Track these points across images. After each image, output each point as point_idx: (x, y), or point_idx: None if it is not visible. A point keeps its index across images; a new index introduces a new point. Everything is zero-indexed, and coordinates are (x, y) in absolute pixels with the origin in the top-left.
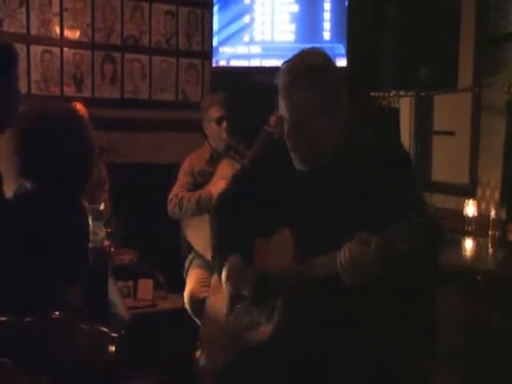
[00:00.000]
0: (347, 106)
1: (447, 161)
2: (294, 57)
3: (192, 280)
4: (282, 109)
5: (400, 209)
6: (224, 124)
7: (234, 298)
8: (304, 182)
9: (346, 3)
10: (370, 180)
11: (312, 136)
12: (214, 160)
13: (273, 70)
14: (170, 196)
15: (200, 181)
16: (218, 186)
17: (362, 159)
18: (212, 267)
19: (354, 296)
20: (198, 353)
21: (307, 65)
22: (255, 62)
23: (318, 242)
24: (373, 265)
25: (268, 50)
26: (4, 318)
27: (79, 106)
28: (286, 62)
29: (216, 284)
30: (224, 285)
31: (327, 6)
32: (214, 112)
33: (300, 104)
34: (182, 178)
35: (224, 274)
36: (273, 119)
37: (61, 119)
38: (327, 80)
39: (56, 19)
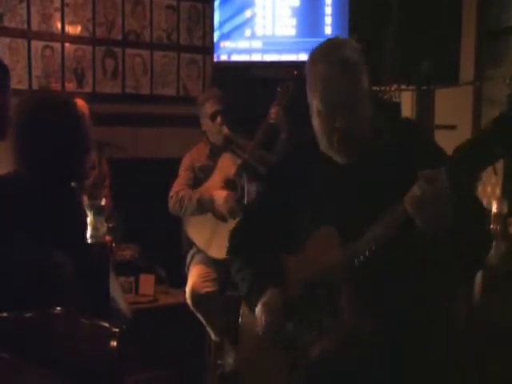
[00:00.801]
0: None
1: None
2: (331, 45)
3: (194, 275)
4: (325, 91)
5: None
6: (218, 119)
7: (274, 330)
8: (338, 171)
9: None
10: (407, 168)
11: (357, 121)
12: (214, 154)
13: (274, 65)
14: (171, 193)
15: (201, 176)
16: (219, 191)
17: (392, 156)
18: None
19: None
20: None
21: (347, 56)
22: (256, 57)
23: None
24: (448, 195)
25: (269, 44)
26: (5, 314)
27: (80, 102)
28: (318, 51)
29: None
30: (260, 320)
31: (328, 0)
32: (209, 107)
33: (350, 87)
34: (183, 174)
35: (260, 309)
36: (273, 111)
37: (56, 109)
38: (365, 71)
39: (57, 14)
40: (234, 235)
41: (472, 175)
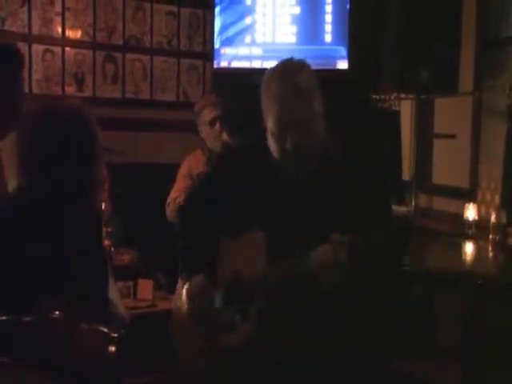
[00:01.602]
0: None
1: (448, 164)
2: (286, 68)
3: None
4: (277, 112)
5: (370, 215)
6: (217, 125)
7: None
8: (284, 188)
9: (348, 6)
10: (345, 191)
11: (308, 140)
12: (212, 162)
13: None
14: (168, 200)
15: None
16: None
17: (337, 172)
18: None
19: (326, 298)
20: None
21: (300, 79)
22: (256, 64)
23: (292, 247)
24: (343, 264)
25: (269, 51)
26: (4, 317)
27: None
28: (272, 73)
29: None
30: (184, 300)
31: (329, 8)
32: (207, 114)
33: (301, 109)
34: (180, 182)
35: (185, 291)
36: None
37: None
38: (318, 95)
39: (58, 19)
40: (188, 197)
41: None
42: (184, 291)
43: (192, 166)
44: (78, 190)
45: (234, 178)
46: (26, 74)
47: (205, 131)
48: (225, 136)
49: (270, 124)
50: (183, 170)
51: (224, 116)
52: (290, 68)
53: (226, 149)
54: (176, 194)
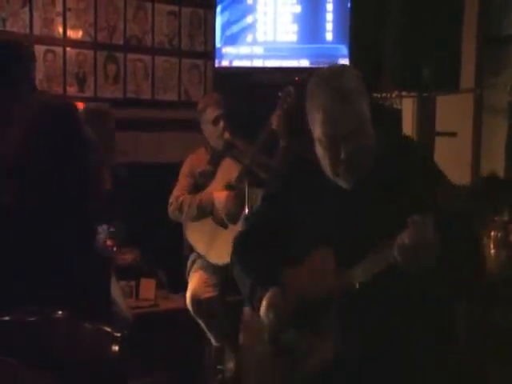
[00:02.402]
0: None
1: (449, 162)
2: (331, 74)
3: (194, 281)
4: (325, 121)
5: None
6: (221, 124)
7: (277, 330)
8: (342, 198)
9: (349, 4)
10: (407, 196)
11: (360, 150)
12: (215, 160)
13: (275, 70)
14: (171, 199)
15: (201, 182)
16: (220, 192)
17: (393, 180)
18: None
19: (406, 297)
20: None
21: (346, 86)
22: (258, 63)
23: (358, 260)
24: (433, 244)
25: (270, 50)
26: (7, 318)
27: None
28: (317, 80)
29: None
30: (264, 317)
31: (330, 6)
32: (210, 113)
33: (350, 118)
34: (182, 180)
35: (265, 305)
36: (274, 118)
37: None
38: (365, 100)
39: (59, 19)
40: (238, 241)
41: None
42: (263, 304)
43: (194, 164)
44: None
45: (294, 199)
46: None
47: (208, 130)
48: (227, 134)
49: (318, 134)
50: (185, 169)
51: (227, 114)
52: (333, 74)
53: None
54: (178, 193)
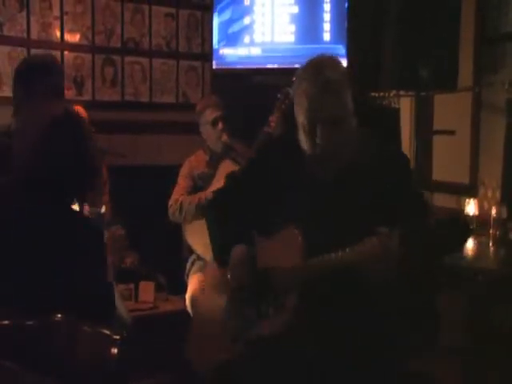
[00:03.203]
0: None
1: (448, 160)
2: (316, 64)
3: (194, 282)
4: (308, 107)
5: (408, 209)
6: (220, 125)
7: (238, 288)
8: (316, 183)
9: (346, 4)
10: (380, 186)
11: (339, 137)
12: (214, 162)
13: (273, 71)
14: (170, 202)
15: (200, 184)
16: (217, 188)
17: (371, 168)
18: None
19: (367, 293)
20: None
21: (330, 75)
22: (255, 64)
23: (329, 243)
24: (396, 257)
25: (268, 51)
26: (7, 322)
27: (80, 109)
28: (306, 68)
29: (210, 281)
30: (229, 272)
31: (327, 7)
32: (209, 114)
33: (333, 105)
34: (182, 183)
35: (231, 261)
36: (272, 120)
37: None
38: (348, 90)
39: (56, 23)
40: (217, 194)
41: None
42: (230, 259)
43: (193, 166)
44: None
45: (272, 172)
46: None
47: (206, 131)
48: (225, 136)
49: (301, 119)
50: (184, 171)
51: (226, 116)
52: (320, 64)
53: (227, 146)
54: (178, 195)
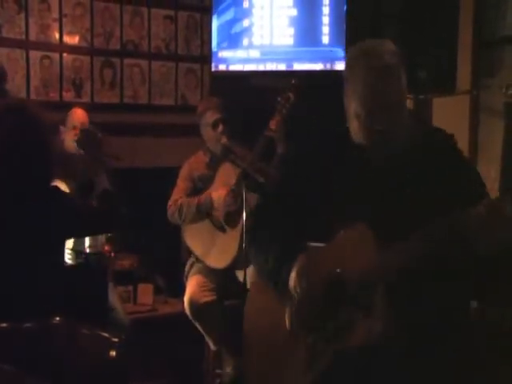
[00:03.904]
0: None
1: None
2: (371, 50)
3: (192, 285)
4: (365, 94)
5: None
6: (220, 127)
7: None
8: (375, 174)
9: (345, 7)
10: (439, 175)
11: (396, 123)
12: (214, 164)
13: (272, 74)
14: (170, 202)
15: (200, 186)
16: (218, 191)
17: (427, 151)
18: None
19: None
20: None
21: (387, 61)
22: (254, 66)
23: (397, 235)
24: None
25: (267, 53)
26: (4, 324)
27: (80, 111)
28: (360, 53)
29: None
30: (295, 287)
31: (326, 10)
32: (209, 116)
33: (390, 91)
34: (181, 184)
35: (294, 275)
36: (272, 123)
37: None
38: (403, 74)
39: (55, 25)
40: (257, 215)
41: None
42: (293, 274)
43: (193, 168)
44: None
45: (311, 179)
46: (23, 80)
47: (207, 133)
48: (224, 139)
49: (354, 107)
50: (184, 172)
51: (226, 119)
52: (374, 49)
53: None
54: (177, 196)
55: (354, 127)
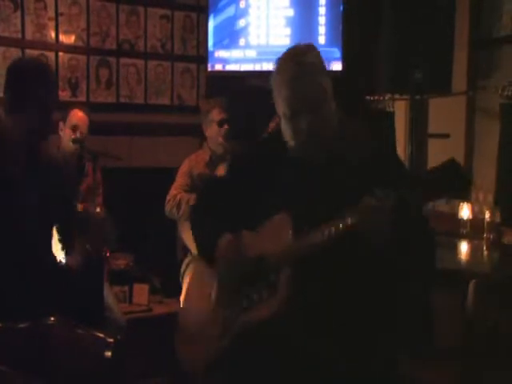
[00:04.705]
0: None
1: None
2: (292, 53)
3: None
4: (288, 94)
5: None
6: (225, 127)
7: (227, 277)
8: (302, 170)
9: (341, 8)
10: (366, 171)
11: (321, 121)
12: (213, 163)
13: (268, 74)
14: (168, 197)
15: (198, 183)
16: None
17: (356, 154)
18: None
19: (357, 272)
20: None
21: (306, 61)
22: (250, 66)
23: (318, 224)
24: (391, 211)
25: (263, 53)
26: (0, 324)
27: (79, 113)
28: (283, 57)
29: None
30: (217, 261)
31: (322, 10)
32: (217, 114)
33: (311, 90)
34: (180, 180)
35: (218, 250)
36: (272, 125)
37: None
38: (325, 74)
39: (51, 24)
40: (197, 207)
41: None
42: (219, 249)
43: (193, 166)
44: None
45: (251, 175)
46: None
47: (211, 130)
48: (220, 139)
49: (282, 109)
50: (184, 168)
51: (231, 120)
52: (295, 51)
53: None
54: (176, 191)
55: (284, 127)
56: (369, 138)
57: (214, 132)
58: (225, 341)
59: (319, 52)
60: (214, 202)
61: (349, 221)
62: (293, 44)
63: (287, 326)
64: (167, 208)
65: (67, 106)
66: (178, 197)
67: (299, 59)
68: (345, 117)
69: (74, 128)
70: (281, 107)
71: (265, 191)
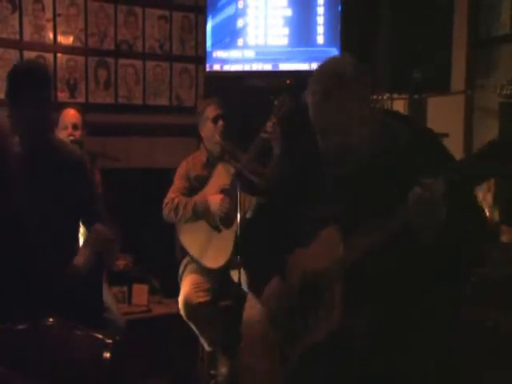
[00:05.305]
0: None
1: None
2: (319, 74)
3: (187, 285)
4: (312, 117)
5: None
6: (220, 123)
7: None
8: (342, 183)
9: (339, 7)
10: (408, 163)
11: (350, 139)
12: (210, 164)
13: (266, 74)
14: (166, 200)
15: (195, 186)
16: (214, 195)
17: (399, 155)
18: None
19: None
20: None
21: (329, 85)
22: (249, 66)
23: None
24: (442, 200)
25: (262, 54)
26: None
27: (73, 111)
28: (312, 80)
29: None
30: (266, 304)
31: (320, 10)
32: (211, 111)
33: (338, 112)
34: (178, 183)
35: (266, 294)
36: (269, 125)
37: None
38: (356, 91)
39: (49, 25)
40: (247, 229)
41: (469, 186)
42: (265, 293)
43: (190, 168)
44: None
45: (290, 190)
46: None
47: (205, 128)
48: (217, 137)
49: (315, 124)
50: (181, 171)
51: (226, 116)
52: (322, 70)
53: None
54: (173, 195)
55: (319, 141)
56: (409, 125)
57: (209, 130)
58: (288, 364)
59: (345, 71)
60: (262, 228)
61: (399, 218)
62: (290, 44)
63: (348, 342)
64: (165, 211)
65: (66, 107)
66: (175, 200)
67: (322, 83)
68: (383, 115)
69: (67, 128)
70: (314, 122)
71: (306, 204)
